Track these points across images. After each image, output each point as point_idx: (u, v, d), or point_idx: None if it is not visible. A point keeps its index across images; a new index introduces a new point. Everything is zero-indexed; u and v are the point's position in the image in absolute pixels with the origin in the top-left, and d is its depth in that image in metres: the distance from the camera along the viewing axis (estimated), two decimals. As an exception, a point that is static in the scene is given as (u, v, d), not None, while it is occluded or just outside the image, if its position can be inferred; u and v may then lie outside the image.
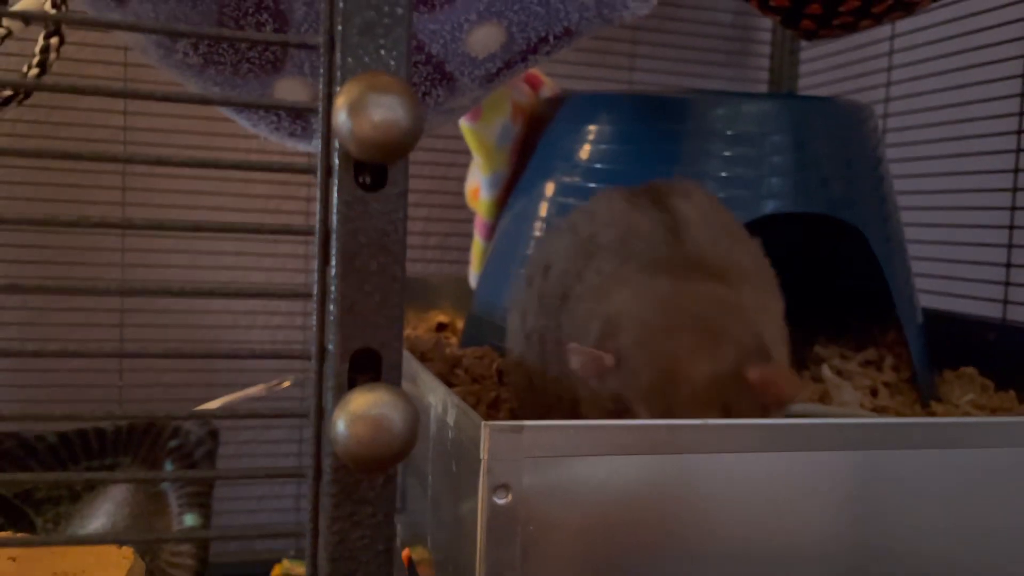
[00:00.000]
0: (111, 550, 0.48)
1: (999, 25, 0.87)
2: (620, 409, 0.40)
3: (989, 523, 0.39)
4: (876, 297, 0.74)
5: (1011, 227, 0.85)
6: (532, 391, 0.49)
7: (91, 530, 0.80)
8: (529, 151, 0.81)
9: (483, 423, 0.32)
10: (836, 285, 0.84)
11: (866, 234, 0.72)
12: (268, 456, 1.12)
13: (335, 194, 0.26)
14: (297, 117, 0.47)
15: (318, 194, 0.27)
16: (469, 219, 0.97)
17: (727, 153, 0.70)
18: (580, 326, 0.43)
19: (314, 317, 0.27)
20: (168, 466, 0.88)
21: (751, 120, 0.71)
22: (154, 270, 1.09)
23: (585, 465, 0.33)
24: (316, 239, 0.27)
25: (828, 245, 0.82)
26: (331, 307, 0.26)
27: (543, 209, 0.76)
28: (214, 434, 0.90)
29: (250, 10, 0.41)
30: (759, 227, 0.70)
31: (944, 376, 0.79)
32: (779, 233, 0.76)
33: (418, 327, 1.02)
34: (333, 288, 0.26)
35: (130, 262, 1.08)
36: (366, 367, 0.27)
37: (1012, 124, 0.85)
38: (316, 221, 0.27)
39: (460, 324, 1.01)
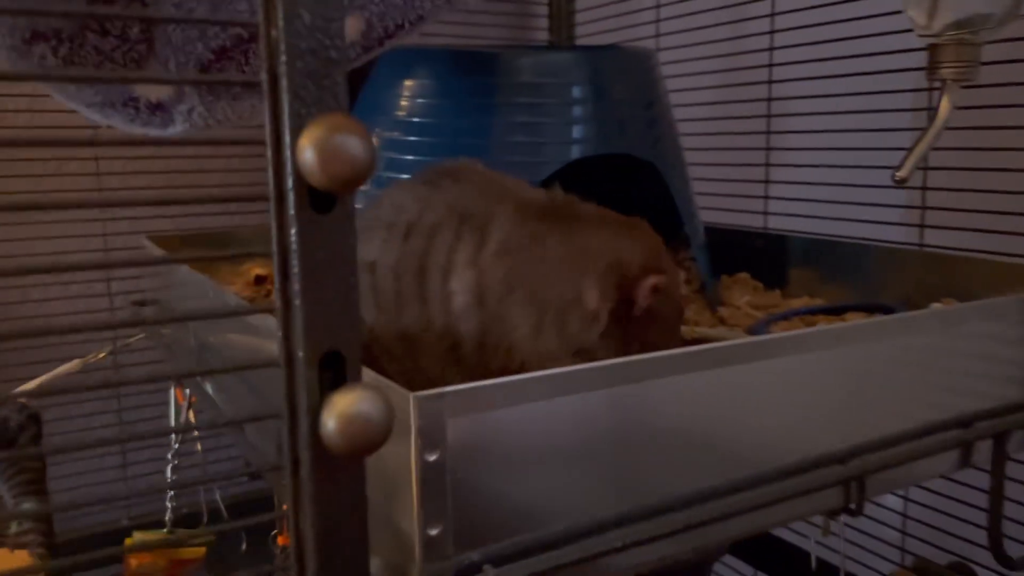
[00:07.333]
0: (5, 555, 0.48)
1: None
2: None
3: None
4: (668, 221, 0.85)
5: (767, 148, 0.99)
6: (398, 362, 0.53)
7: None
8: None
9: (411, 395, 0.36)
10: (632, 214, 0.94)
11: (659, 168, 0.81)
12: (85, 429, 1.08)
13: (292, 217, 0.29)
14: (156, 109, 0.46)
15: (272, 218, 0.29)
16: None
17: (535, 102, 0.76)
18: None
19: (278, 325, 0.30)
20: (-10, 457, 0.84)
21: (553, 71, 0.78)
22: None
23: (497, 416, 0.39)
24: (276, 258, 0.30)
25: (626, 179, 0.91)
26: (297, 317, 0.30)
27: (368, 163, 0.78)
28: (35, 418, 0.87)
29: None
30: (568, 171, 0.77)
31: (723, 281, 0.93)
32: (585, 172, 0.84)
33: (235, 282, 1.02)
34: (298, 301, 0.29)
35: None
36: (329, 366, 0.31)
37: (765, 58, 0.98)
38: (272, 242, 0.29)
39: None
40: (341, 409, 0.28)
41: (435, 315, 0.49)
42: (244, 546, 0.92)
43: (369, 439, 0.28)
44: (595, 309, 0.50)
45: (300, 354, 0.30)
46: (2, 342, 1.08)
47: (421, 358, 0.50)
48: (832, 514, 0.52)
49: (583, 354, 0.50)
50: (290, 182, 0.28)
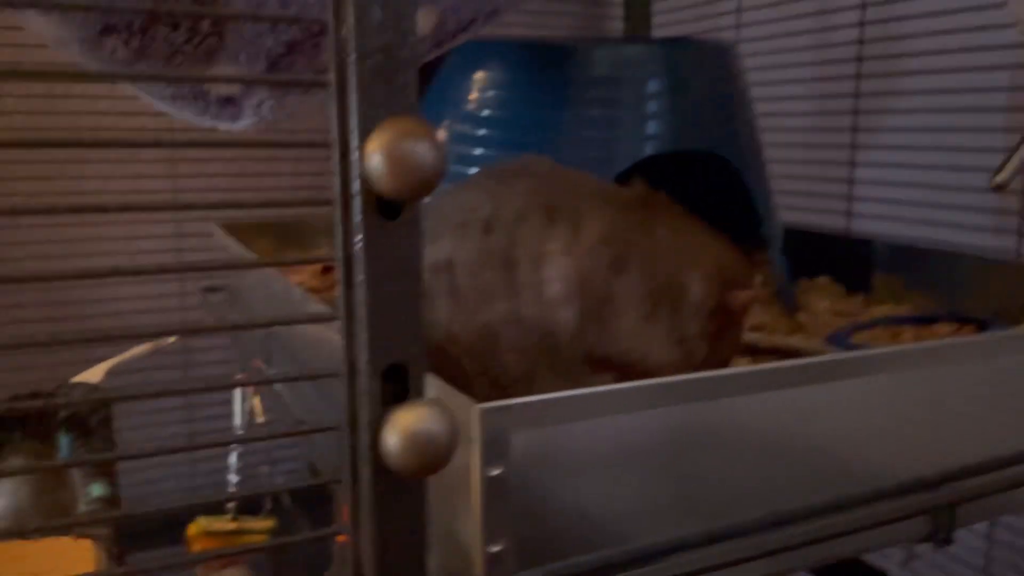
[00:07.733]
0: (68, 544, 0.48)
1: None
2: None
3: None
4: (745, 221, 0.82)
5: (853, 146, 0.95)
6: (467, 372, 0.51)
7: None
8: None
9: (475, 406, 0.35)
10: (709, 214, 0.91)
11: (738, 166, 0.78)
12: (153, 411, 1.10)
13: (358, 224, 0.28)
14: (226, 103, 0.46)
15: (336, 224, 0.28)
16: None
17: (608, 97, 0.74)
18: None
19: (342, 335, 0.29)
20: (62, 437, 0.85)
21: (628, 64, 0.75)
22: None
23: (564, 430, 0.37)
24: (340, 265, 0.28)
25: (702, 176, 0.88)
26: (360, 327, 0.28)
27: (438, 156, 0.77)
28: (106, 400, 0.88)
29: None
30: (641, 166, 0.75)
31: (802, 285, 0.89)
32: (658, 168, 0.81)
33: (302, 270, 1.02)
34: (361, 311, 0.28)
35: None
36: (392, 379, 0.29)
37: (851, 51, 0.93)
38: (337, 249, 0.28)
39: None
40: (404, 426, 0.27)
41: (525, 306, 0.48)
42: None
43: (432, 459, 0.27)
44: (702, 302, 0.50)
45: (362, 366, 0.28)
46: (87, 343, 1.11)
47: (506, 354, 0.49)
48: (918, 543, 0.49)
49: (684, 343, 0.51)
50: (356, 187, 0.27)
